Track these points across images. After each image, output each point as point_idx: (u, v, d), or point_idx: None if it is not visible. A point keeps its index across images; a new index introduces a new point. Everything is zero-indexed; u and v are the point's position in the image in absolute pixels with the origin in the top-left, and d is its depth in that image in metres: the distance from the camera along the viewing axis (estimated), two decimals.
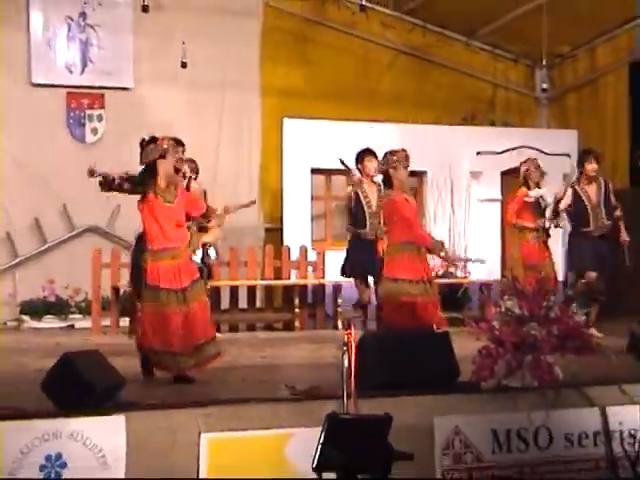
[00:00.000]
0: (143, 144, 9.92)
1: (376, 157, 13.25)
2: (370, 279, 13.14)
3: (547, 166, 14.03)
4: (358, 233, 13.28)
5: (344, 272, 13.59)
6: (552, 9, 15.44)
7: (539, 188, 13.92)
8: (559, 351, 9.08)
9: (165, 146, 9.92)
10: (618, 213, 13.60)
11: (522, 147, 14.88)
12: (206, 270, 12.92)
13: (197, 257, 11.23)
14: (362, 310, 13.52)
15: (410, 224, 11.91)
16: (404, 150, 11.93)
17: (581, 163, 13.91)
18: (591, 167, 13.75)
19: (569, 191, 13.91)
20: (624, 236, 13.63)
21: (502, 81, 18.88)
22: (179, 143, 12.34)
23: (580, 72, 18.32)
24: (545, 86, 17.86)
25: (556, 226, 14.11)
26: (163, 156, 9.86)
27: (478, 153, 17.13)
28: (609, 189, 13.71)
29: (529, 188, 13.97)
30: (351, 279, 13.62)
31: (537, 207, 14.08)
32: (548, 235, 14.08)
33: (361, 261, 13.23)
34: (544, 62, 16.94)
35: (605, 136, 17.64)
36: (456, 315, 15.06)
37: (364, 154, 13.35)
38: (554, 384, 8.98)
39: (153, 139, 9.96)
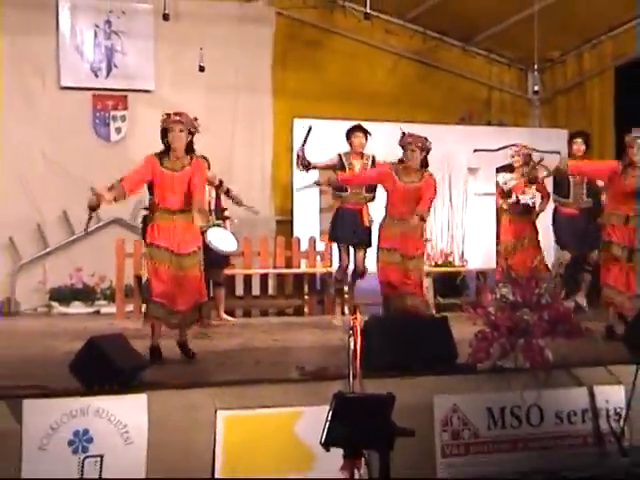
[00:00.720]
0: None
1: (365, 133, 13.32)
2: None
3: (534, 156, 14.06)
4: (341, 199, 13.29)
5: (331, 238, 13.64)
6: (543, 18, 15.43)
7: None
8: (550, 335, 9.09)
9: (167, 120, 10.21)
10: (603, 197, 13.52)
11: (516, 145, 14.86)
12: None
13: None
14: (343, 276, 13.56)
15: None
16: (417, 136, 11.89)
17: (569, 144, 13.98)
18: (577, 147, 13.86)
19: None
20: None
21: (497, 84, 18.86)
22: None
23: (569, 76, 18.31)
24: (537, 88, 17.84)
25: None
26: (167, 129, 10.11)
27: (475, 150, 17.11)
28: None
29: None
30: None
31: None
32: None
33: (344, 228, 13.22)
34: (536, 66, 16.91)
35: (592, 134, 17.61)
36: (454, 301, 15.10)
37: (352, 130, 13.36)
38: (545, 365, 8.99)
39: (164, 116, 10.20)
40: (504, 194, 14.67)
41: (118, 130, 16.45)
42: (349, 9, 17.13)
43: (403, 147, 11.83)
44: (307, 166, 13.24)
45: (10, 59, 15.90)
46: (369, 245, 12.79)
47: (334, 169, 13.29)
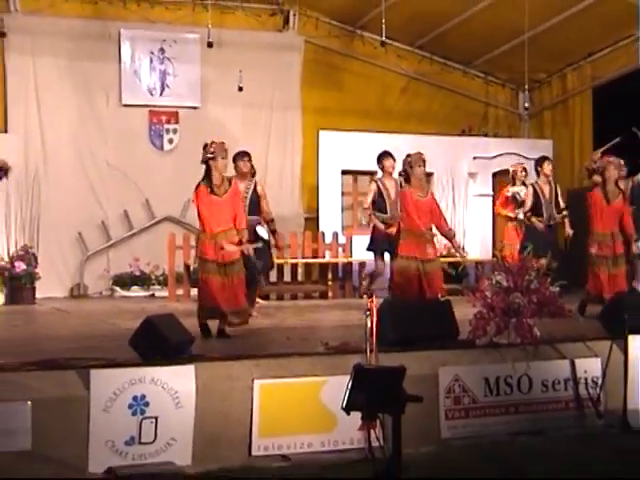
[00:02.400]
0: (204, 147, 9.98)
1: (392, 157, 13.24)
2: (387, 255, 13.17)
3: (528, 167, 13.99)
4: (380, 218, 13.21)
5: (370, 248, 13.60)
6: (532, 45, 15.42)
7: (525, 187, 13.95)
8: (538, 315, 9.08)
9: (212, 149, 9.92)
10: (565, 212, 13.50)
11: (509, 153, 14.82)
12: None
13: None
14: (371, 278, 13.56)
15: (408, 215, 11.96)
16: (419, 153, 11.90)
17: (540, 165, 13.77)
18: (548, 169, 13.61)
19: (530, 189, 13.82)
20: (568, 230, 13.58)
21: (493, 101, 18.81)
22: (245, 154, 12.40)
23: (554, 94, 18.26)
24: (526, 105, 17.83)
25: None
26: (213, 158, 9.87)
27: (474, 158, 17.10)
28: (557, 191, 13.65)
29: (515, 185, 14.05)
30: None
31: (517, 201, 14.20)
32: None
33: (381, 240, 13.19)
34: (526, 86, 16.88)
35: (573, 145, 17.65)
36: (456, 287, 15.04)
37: (382, 155, 13.29)
38: (533, 341, 8.99)
39: (207, 144, 10.01)
40: (516, 203, 14.46)
41: (170, 141, 16.48)
42: (367, 38, 17.11)
43: (410, 166, 11.84)
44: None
45: (81, 81, 15.97)
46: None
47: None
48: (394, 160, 13.20)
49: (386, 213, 13.16)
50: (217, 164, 9.86)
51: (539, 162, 13.81)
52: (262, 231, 12.92)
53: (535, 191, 13.63)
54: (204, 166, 9.90)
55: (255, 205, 12.25)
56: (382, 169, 13.38)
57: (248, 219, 10.93)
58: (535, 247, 13.05)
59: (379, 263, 13.37)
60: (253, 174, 12.32)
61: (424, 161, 11.87)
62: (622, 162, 12.48)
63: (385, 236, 13.01)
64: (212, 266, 9.75)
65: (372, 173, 15.15)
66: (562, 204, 13.59)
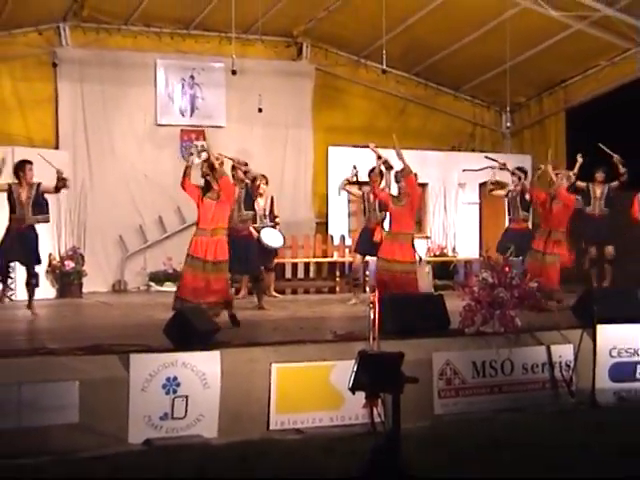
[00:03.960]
0: None
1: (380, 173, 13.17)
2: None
3: (510, 179, 13.91)
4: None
5: (357, 249, 13.58)
6: (513, 73, 15.42)
7: None
8: (519, 308, 9.11)
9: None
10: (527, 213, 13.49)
11: (493, 167, 14.78)
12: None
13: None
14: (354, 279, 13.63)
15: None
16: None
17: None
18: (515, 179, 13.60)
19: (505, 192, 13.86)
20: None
21: (479, 121, 18.75)
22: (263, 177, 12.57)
23: (532, 115, 18.22)
24: (508, 125, 17.79)
25: None
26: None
27: (463, 170, 17.03)
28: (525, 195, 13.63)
29: None
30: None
31: None
32: None
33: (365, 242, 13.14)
34: (508, 108, 16.84)
35: (549, 159, 17.60)
36: (448, 283, 15.05)
37: (373, 170, 13.30)
38: (515, 330, 9.01)
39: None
40: None
41: (199, 155, 16.47)
42: (369, 66, 17.07)
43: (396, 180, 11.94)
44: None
45: (122, 104, 15.96)
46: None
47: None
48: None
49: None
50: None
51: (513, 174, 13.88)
52: (268, 235, 13.07)
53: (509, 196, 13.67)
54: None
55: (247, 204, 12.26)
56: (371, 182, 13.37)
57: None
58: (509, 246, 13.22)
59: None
60: (242, 180, 12.22)
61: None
62: (570, 173, 12.55)
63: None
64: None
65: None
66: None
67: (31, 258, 11.19)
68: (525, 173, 13.59)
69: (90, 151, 15.81)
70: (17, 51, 15.27)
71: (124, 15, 15.58)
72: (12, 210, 11.07)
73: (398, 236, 11.89)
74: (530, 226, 13.63)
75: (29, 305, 11.27)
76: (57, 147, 15.56)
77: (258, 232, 13.18)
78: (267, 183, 13.73)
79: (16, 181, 11.14)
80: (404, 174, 12.01)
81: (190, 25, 16.11)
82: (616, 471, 6.58)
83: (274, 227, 13.63)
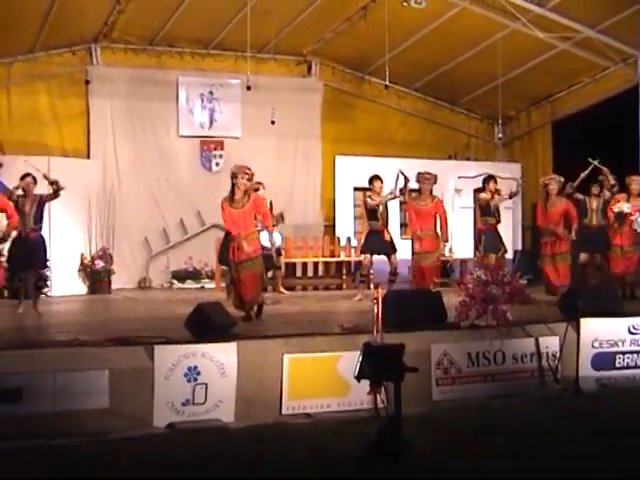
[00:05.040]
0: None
1: (381, 180, 13.17)
2: (376, 256, 13.14)
3: (502, 185, 13.86)
4: (370, 224, 13.18)
5: (362, 250, 13.52)
6: (504, 89, 15.46)
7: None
8: (510, 303, 9.07)
9: (233, 171, 9.99)
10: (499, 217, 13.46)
11: (486, 174, 14.76)
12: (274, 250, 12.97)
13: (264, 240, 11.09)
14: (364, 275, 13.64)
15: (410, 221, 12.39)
16: (428, 173, 11.94)
17: (487, 183, 13.56)
18: (493, 186, 13.43)
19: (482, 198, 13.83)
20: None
21: (473, 132, 18.77)
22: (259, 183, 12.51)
23: (521, 127, 18.23)
24: (500, 136, 17.73)
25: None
26: (234, 177, 9.89)
27: (459, 177, 17.05)
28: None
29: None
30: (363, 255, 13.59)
31: None
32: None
33: (372, 243, 13.11)
34: (499, 121, 16.82)
35: (537, 168, 17.59)
36: (445, 280, 15.06)
37: (372, 178, 13.24)
38: (506, 324, 8.98)
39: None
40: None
41: (217, 164, 16.48)
42: (373, 82, 17.12)
43: (418, 181, 11.92)
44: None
45: (147, 118, 16.03)
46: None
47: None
48: (382, 182, 13.20)
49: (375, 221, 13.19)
50: (237, 183, 9.91)
51: (487, 180, 13.77)
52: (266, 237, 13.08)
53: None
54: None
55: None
56: (371, 189, 13.34)
57: None
58: (487, 246, 13.18)
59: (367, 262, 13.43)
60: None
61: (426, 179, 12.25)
62: (562, 179, 12.47)
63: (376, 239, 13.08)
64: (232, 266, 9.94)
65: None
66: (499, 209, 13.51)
67: (38, 262, 10.89)
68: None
69: (118, 160, 15.87)
70: (53, 70, 15.40)
71: (149, 37, 15.65)
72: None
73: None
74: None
75: (34, 305, 10.88)
76: (88, 157, 15.63)
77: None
78: (264, 188, 13.69)
79: (22, 193, 10.86)
80: None
81: (209, 45, 16.16)
82: (597, 451, 6.60)
83: (274, 226, 13.60)
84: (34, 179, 10.90)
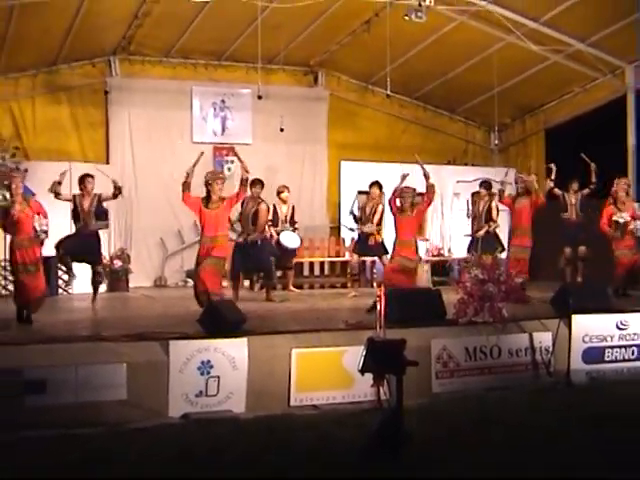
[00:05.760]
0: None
1: (379, 186, 13.45)
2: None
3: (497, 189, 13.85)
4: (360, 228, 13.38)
5: (352, 251, 13.81)
6: (500, 98, 15.41)
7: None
8: (505, 301, 9.09)
9: (208, 177, 10.52)
10: (492, 224, 13.45)
11: (483, 178, 14.74)
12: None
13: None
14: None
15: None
16: (407, 187, 11.57)
17: (481, 187, 13.87)
18: (483, 192, 13.71)
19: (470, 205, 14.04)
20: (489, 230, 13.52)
21: (471, 139, 18.69)
22: (259, 182, 12.85)
23: (517, 134, 18.15)
24: (496, 142, 17.69)
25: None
26: (209, 184, 10.33)
27: (457, 182, 17.00)
28: (491, 206, 13.55)
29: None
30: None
31: None
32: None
33: (360, 246, 13.36)
34: (496, 128, 16.79)
35: (531, 172, 17.55)
36: (444, 279, 15.05)
37: (371, 185, 13.57)
38: (502, 320, 8.99)
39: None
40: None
41: (229, 169, 16.43)
42: (376, 91, 17.04)
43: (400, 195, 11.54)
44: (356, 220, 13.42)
45: (162, 125, 15.96)
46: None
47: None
48: (380, 189, 13.47)
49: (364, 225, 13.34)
50: (212, 188, 10.30)
51: (480, 187, 13.90)
52: (286, 238, 13.14)
53: (473, 207, 13.82)
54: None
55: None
56: (369, 194, 13.55)
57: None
58: (476, 248, 13.20)
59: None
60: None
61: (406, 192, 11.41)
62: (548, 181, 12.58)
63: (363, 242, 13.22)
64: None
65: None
66: (493, 215, 13.53)
67: (94, 258, 11.33)
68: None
69: (135, 165, 15.86)
70: (74, 81, 15.41)
71: (165, 49, 15.65)
72: (76, 219, 11.14)
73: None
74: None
75: (93, 298, 11.43)
76: (107, 162, 15.61)
77: (278, 235, 13.31)
78: (289, 192, 13.79)
79: (80, 192, 11.23)
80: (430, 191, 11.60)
81: (222, 57, 16.15)
82: (586, 438, 6.62)
83: (293, 231, 13.66)
84: (93, 178, 11.43)
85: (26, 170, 12.93)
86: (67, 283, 12.36)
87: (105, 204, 11.59)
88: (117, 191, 11.32)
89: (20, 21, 12.41)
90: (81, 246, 11.05)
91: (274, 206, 13.54)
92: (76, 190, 11.56)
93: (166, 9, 13.23)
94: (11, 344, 7.47)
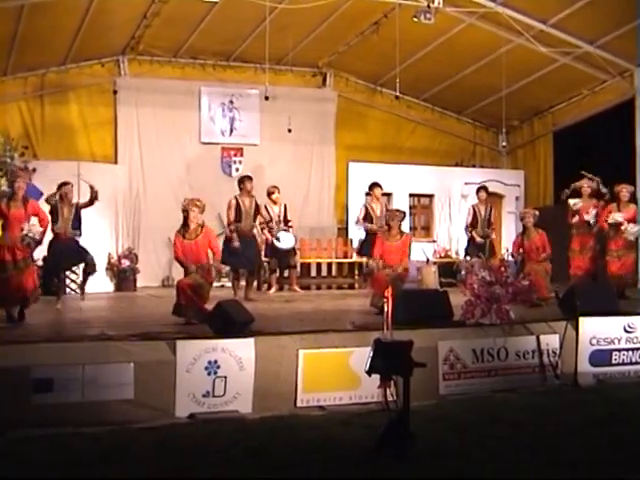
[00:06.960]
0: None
1: (381, 187, 13.87)
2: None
3: (506, 191, 13.85)
4: (368, 227, 13.70)
5: (359, 252, 14.00)
6: (508, 100, 15.36)
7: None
8: (512, 302, 9.06)
9: (185, 204, 9.92)
10: (492, 227, 13.81)
11: (491, 180, 14.73)
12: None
13: None
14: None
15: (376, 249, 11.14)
16: (397, 210, 11.35)
17: (477, 192, 13.95)
18: (482, 195, 13.83)
19: (471, 210, 14.00)
20: (492, 236, 13.89)
21: (479, 141, 18.68)
22: (250, 178, 12.82)
23: (524, 136, 18.13)
24: (504, 144, 17.70)
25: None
26: (186, 211, 9.82)
27: (465, 183, 16.99)
28: (492, 211, 13.72)
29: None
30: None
31: None
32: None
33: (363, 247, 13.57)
34: (504, 130, 16.77)
35: (539, 175, 17.55)
36: (452, 281, 14.98)
37: (373, 185, 13.88)
38: (509, 322, 8.97)
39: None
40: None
41: (237, 169, 16.44)
42: (384, 93, 17.05)
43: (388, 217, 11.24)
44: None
45: (171, 125, 16.02)
46: None
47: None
48: (381, 189, 13.90)
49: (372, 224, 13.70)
50: (189, 216, 9.80)
51: (477, 191, 13.93)
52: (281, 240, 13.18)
53: (474, 211, 13.76)
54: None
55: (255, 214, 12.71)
56: (370, 194, 13.90)
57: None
58: (475, 252, 13.20)
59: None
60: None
61: (396, 215, 10.98)
62: (537, 212, 12.17)
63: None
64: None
65: (388, 194, 15.61)
66: (492, 218, 13.85)
67: (80, 257, 11.13)
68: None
69: (144, 165, 15.89)
70: (83, 81, 15.47)
71: (173, 49, 15.68)
72: (54, 222, 10.87)
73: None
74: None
75: (81, 290, 11.47)
76: (116, 162, 15.65)
77: (273, 236, 13.33)
78: (279, 192, 13.72)
79: (59, 199, 10.97)
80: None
81: (230, 57, 16.17)
82: (593, 439, 6.62)
83: (287, 230, 13.64)
84: (72, 186, 11.16)
85: (34, 169, 12.95)
86: (58, 292, 11.95)
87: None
88: (94, 195, 11.06)
89: (29, 21, 12.43)
90: (65, 254, 10.96)
91: (265, 207, 13.43)
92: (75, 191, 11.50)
93: (175, 9, 13.26)
94: (18, 342, 7.46)
